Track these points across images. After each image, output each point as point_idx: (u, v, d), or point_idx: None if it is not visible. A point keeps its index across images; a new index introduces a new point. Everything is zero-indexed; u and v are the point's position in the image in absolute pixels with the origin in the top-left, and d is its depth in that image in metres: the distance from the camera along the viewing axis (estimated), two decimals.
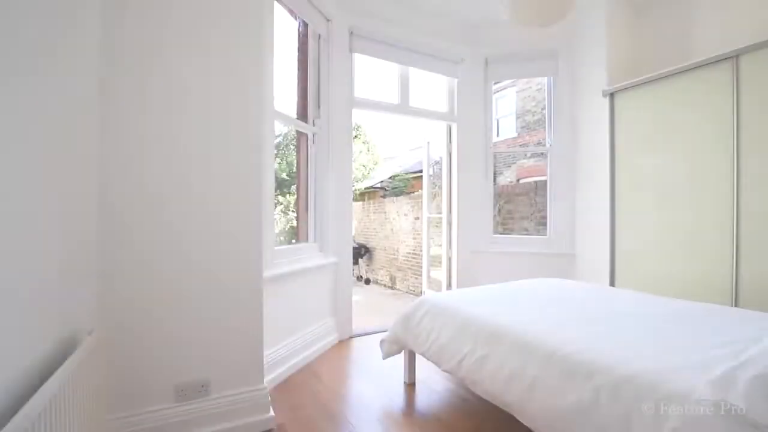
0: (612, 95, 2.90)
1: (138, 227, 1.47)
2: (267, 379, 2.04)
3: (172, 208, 1.53)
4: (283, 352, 2.29)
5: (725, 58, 2.25)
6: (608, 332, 1.43)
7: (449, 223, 3.62)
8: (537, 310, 1.77)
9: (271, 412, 1.72)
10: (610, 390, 1.12)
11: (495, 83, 4.30)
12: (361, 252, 7.63)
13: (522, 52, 3.39)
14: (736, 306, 2.19)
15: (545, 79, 3.52)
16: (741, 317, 1.58)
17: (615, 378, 1.13)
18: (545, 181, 3.53)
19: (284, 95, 2.76)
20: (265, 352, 2.06)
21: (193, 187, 1.57)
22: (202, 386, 1.59)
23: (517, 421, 1.41)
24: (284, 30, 2.68)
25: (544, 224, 3.73)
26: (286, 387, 2.16)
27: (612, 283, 2.90)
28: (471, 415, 1.86)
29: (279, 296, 2.25)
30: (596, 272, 3.06)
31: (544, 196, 3.91)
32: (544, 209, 4.01)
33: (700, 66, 2.37)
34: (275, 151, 2.41)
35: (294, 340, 2.41)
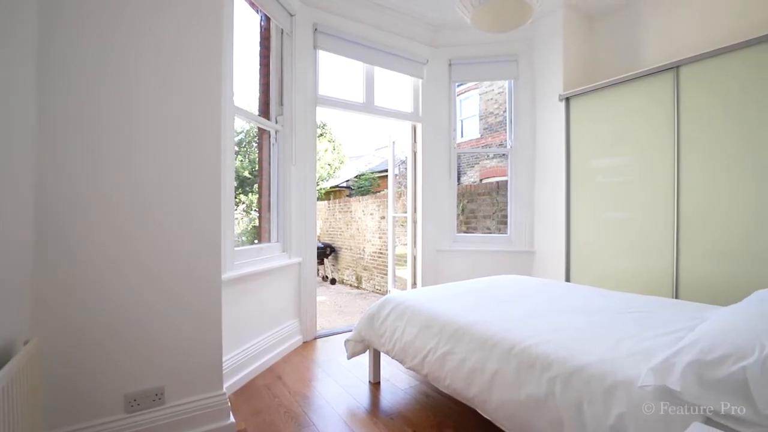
0: (568, 100, 3.04)
1: (83, 229, 1.37)
2: (227, 384, 1.98)
3: (123, 208, 1.44)
4: (245, 356, 2.22)
5: (667, 69, 2.42)
6: (563, 326, 1.50)
7: (414, 222, 3.66)
8: (498, 307, 1.83)
9: (231, 418, 1.66)
10: (563, 380, 1.17)
11: (458, 85, 4.39)
12: (326, 252, 7.56)
13: (484, 55, 3.49)
14: (676, 298, 2.37)
15: (506, 83, 3.64)
16: (680, 308, 1.71)
17: (568, 369, 1.18)
18: (506, 182, 3.65)
19: (245, 91, 2.68)
20: (226, 357, 2.00)
21: (145, 187, 1.48)
22: (156, 395, 1.51)
23: (479, 415, 1.45)
24: (245, 24, 2.60)
25: (506, 223, 3.86)
26: (247, 391, 2.09)
27: (567, 279, 3.05)
28: (435, 411, 1.89)
29: (240, 298, 2.18)
30: (553, 269, 3.20)
31: (505, 195, 4.04)
32: (506, 208, 4.15)
33: (645, 75, 2.54)
34: (237, 149, 2.33)
35: (256, 343, 2.35)
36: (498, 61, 3.48)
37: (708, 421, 0.89)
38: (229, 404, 1.70)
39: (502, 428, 1.33)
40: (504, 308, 1.79)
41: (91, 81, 1.38)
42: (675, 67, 2.39)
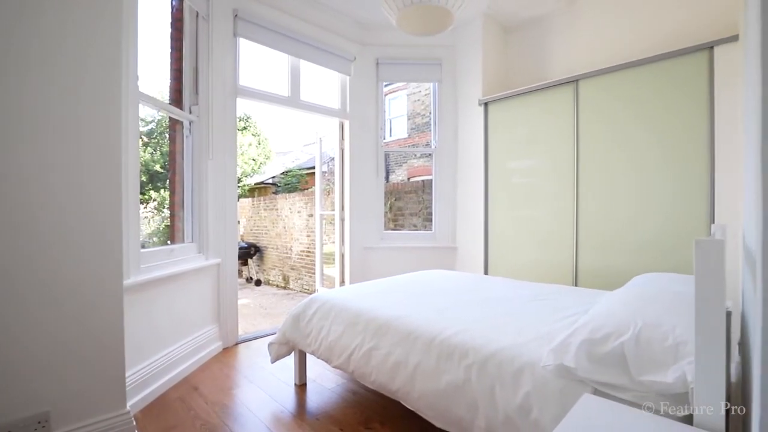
0: (486, 105, 3.25)
1: None
2: (133, 400, 1.78)
3: None
4: (155, 368, 2.02)
5: (569, 82, 2.71)
6: (480, 315, 1.60)
7: (342, 220, 3.64)
8: (421, 300, 1.89)
9: None
10: (479, 367, 1.25)
11: (386, 85, 4.46)
12: (250, 252, 7.20)
13: (410, 57, 3.58)
14: (576, 285, 2.67)
15: (431, 85, 3.77)
16: (578, 294, 1.93)
17: (483, 356, 1.26)
18: (432, 180, 3.79)
19: (154, 76, 2.43)
20: (132, 370, 1.80)
21: (29, 183, 1.27)
22: (39, 422, 1.30)
23: (404, 407, 1.49)
24: (154, 1, 2.35)
25: (431, 220, 4.01)
26: (158, 406, 1.91)
27: (486, 272, 3.27)
28: (361, 408, 1.90)
29: (148, 305, 1.98)
30: (473, 262, 3.41)
31: (431, 194, 4.20)
32: (431, 206, 4.31)
33: (551, 86, 2.81)
34: (146, 140, 2.10)
35: (168, 353, 2.15)
36: (423, 63, 3.59)
37: (596, 392, 1.02)
38: (134, 423, 1.53)
39: (425, 417, 1.38)
40: (427, 301, 1.86)
41: None
42: (575, 81, 2.68)
